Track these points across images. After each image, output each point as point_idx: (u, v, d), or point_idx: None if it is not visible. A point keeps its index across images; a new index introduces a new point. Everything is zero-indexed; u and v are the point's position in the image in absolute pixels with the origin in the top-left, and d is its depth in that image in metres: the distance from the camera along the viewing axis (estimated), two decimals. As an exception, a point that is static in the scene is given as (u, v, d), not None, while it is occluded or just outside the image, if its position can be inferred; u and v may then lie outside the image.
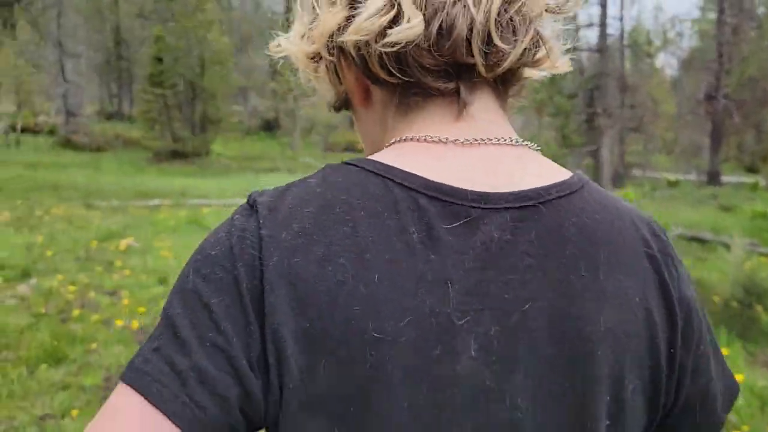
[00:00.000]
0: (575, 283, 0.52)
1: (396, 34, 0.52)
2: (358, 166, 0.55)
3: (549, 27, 0.59)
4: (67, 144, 28.42)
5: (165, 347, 0.49)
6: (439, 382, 0.49)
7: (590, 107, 10.10)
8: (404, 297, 0.49)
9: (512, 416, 0.50)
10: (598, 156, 9.73)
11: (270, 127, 44.61)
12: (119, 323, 4.65)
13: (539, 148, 0.62)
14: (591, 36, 11.40)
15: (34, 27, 32.67)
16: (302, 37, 0.60)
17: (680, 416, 0.60)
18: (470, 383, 0.50)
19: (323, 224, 0.51)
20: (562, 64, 0.62)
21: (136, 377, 0.48)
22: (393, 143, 0.59)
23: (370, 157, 0.56)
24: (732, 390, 0.64)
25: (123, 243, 7.54)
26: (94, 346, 4.16)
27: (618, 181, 16.42)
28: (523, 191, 0.54)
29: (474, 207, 0.52)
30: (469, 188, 0.53)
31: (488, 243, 0.51)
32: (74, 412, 3.15)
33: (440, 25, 0.52)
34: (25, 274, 5.87)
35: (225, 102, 28.96)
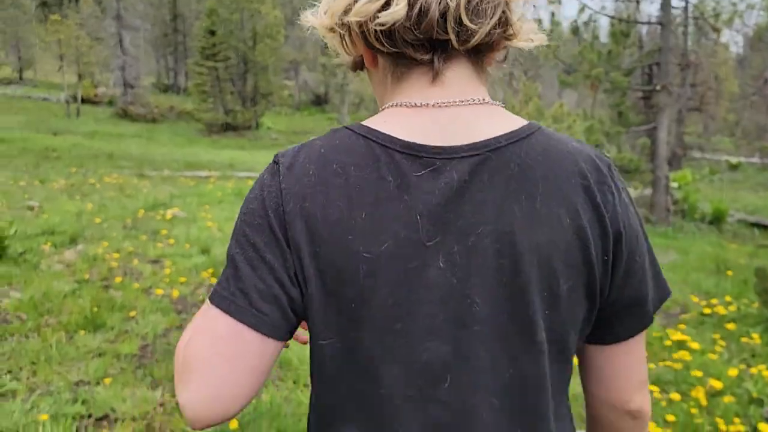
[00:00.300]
0: (516, 211, 0.69)
1: (384, 16, 0.68)
2: (353, 131, 0.74)
3: (519, 10, 0.73)
4: (125, 115, 29.24)
5: (232, 277, 0.71)
6: (415, 285, 0.69)
7: (649, 84, 9.62)
8: (385, 228, 0.69)
9: (471, 308, 0.70)
10: (655, 135, 9.29)
11: (320, 102, 44.78)
12: (159, 292, 4.70)
13: (503, 105, 0.78)
14: (652, 9, 10.87)
15: (96, 0, 33.51)
16: (325, 12, 0.75)
17: (617, 309, 0.77)
18: (439, 286, 0.69)
19: (324, 178, 0.70)
20: (538, 38, 0.76)
21: (219, 300, 0.71)
22: (384, 108, 0.78)
23: (362, 123, 0.75)
24: (663, 292, 0.81)
25: (169, 212, 7.65)
26: (133, 314, 4.21)
27: (675, 162, 15.68)
28: (478, 142, 0.71)
29: (438, 158, 0.70)
30: (434, 144, 0.71)
31: (450, 185, 0.69)
32: (107, 380, 3.17)
33: (419, 9, 0.68)
34: (73, 241, 6.01)
35: (276, 76, 29.14)
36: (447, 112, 0.73)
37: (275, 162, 0.76)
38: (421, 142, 0.71)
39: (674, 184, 10.83)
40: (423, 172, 0.70)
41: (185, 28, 44.21)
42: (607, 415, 0.86)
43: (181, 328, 4.11)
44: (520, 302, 0.70)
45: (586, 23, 9.25)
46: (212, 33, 25.14)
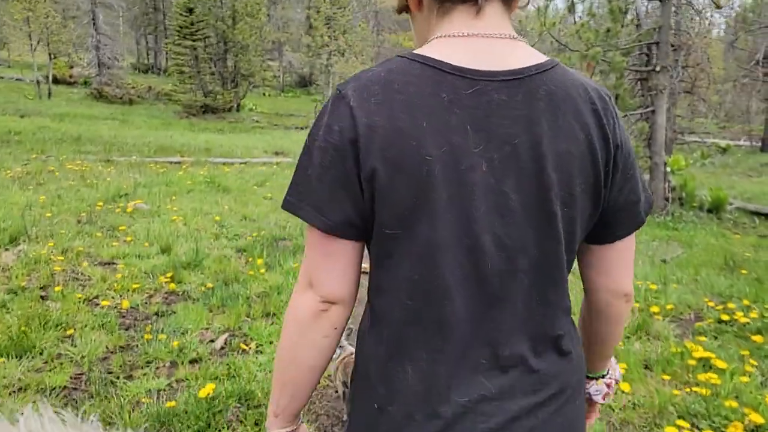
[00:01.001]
0: (543, 124, 0.88)
1: None
2: (407, 58, 0.90)
3: None
4: (99, 96, 28.20)
5: (314, 197, 0.90)
6: (466, 183, 0.87)
7: (647, 65, 9.05)
8: (442, 135, 0.86)
9: (507, 202, 0.88)
10: (653, 119, 8.74)
11: (305, 83, 43.79)
12: (105, 303, 4.08)
13: (527, 42, 0.96)
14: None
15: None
16: None
17: (615, 211, 0.98)
18: (483, 184, 0.87)
19: (388, 95, 0.86)
20: None
21: (314, 220, 0.91)
22: (431, 40, 0.94)
23: (415, 51, 0.92)
24: (649, 200, 1.03)
25: (131, 204, 7.00)
26: (70, 332, 3.60)
27: (667, 146, 15.20)
28: (513, 69, 0.89)
29: (482, 80, 0.88)
30: (478, 68, 0.88)
31: (491, 101, 0.87)
32: (20, 427, 2.58)
33: None
34: (13, 240, 5.35)
35: (257, 56, 28.17)
36: (487, 43, 0.91)
37: (339, 91, 0.90)
38: (468, 66, 0.88)
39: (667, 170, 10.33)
40: (470, 90, 0.87)
41: (165, 7, 42.88)
42: (608, 298, 1.06)
43: (125, 349, 3.51)
44: (544, 199, 0.89)
45: (582, -1, 8.64)
46: (190, 11, 24.15)
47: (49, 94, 25.73)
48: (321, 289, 0.93)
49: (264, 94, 40.32)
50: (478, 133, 0.86)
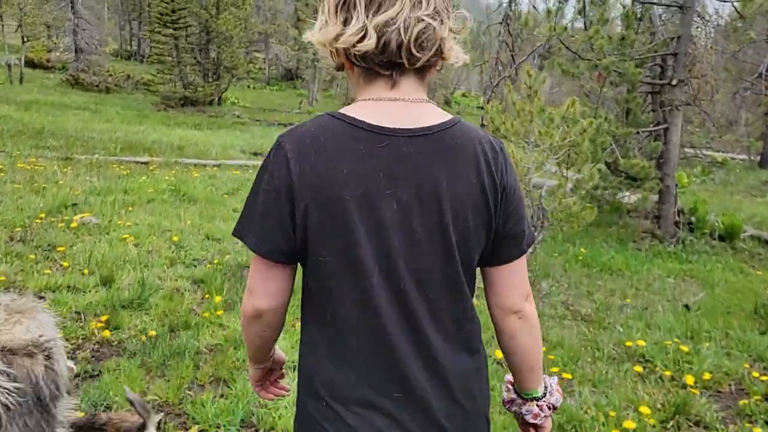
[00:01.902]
0: (443, 171, 1.13)
1: (362, 46, 1.09)
2: (334, 117, 1.14)
3: (450, 44, 1.15)
4: (75, 83, 26.95)
5: (256, 229, 1.15)
6: (381, 219, 1.11)
7: (661, 77, 8.28)
8: (359, 180, 1.09)
9: (414, 234, 1.13)
10: (667, 137, 7.97)
11: (291, 77, 42.69)
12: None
13: (436, 103, 1.22)
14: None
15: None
16: (320, 31, 1.15)
17: (501, 240, 1.21)
18: (394, 220, 1.11)
19: (316, 148, 1.10)
20: (462, 59, 1.18)
21: (254, 247, 1.16)
22: (357, 101, 1.19)
23: (340, 111, 1.16)
24: (531, 236, 1.27)
25: (77, 218, 6.07)
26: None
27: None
28: (420, 127, 1.14)
29: (393, 135, 1.12)
30: (391, 126, 1.13)
31: (401, 153, 1.12)
32: None
33: (384, 42, 1.09)
34: None
35: (241, 48, 27.10)
36: (400, 105, 1.15)
37: (279, 143, 1.14)
38: (382, 125, 1.13)
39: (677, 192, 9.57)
40: (383, 144, 1.11)
41: (150, -8, 41.50)
42: (500, 314, 1.27)
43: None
44: (444, 232, 1.14)
45: (594, 3, 7.84)
46: (171, -3, 23.06)
47: (21, 80, 24.47)
48: (256, 300, 1.21)
49: (249, 87, 39.18)
50: (389, 178, 1.11)
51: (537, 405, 1.35)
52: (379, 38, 1.08)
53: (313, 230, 1.11)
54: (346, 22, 1.11)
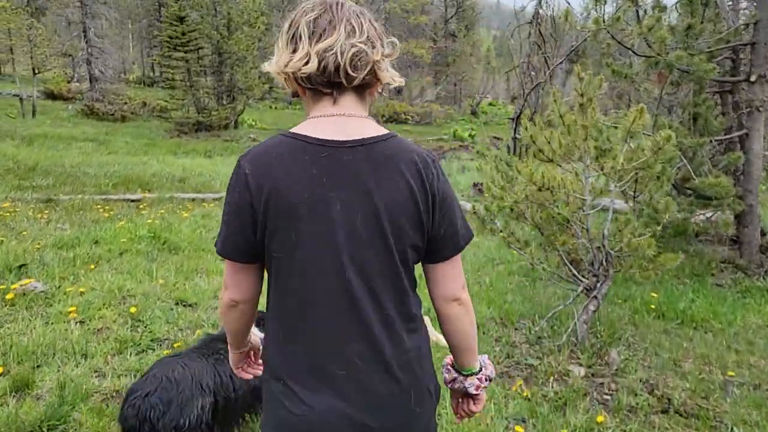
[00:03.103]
0: (377, 178, 1.31)
1: (305, 69, 1.30)
2: (285, 135, 1.35)
3: (384, 66, 1.38)
4: (91, 113, 26.33)
5: (222, 236, 1.38)
6: (327, 218, 1.30)
7: (733, 73, 6.81)
8: (305, 186, 1.29)
9: (356, 232, 1.31)
10: (747, 147, 6.48)
11: (313, 95, 41.66)
12: None
13: (375, 119, 1.44)
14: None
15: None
16: (275, 62, 1.36)
17: (439, 240, 1.41)
18: (339, 219, 1.30)
19: (269, 163, 1.30)
20: (398, 81, 1.42)
21: (219, 250, 1.39)
22: (306, 119, 1.39)
23: (291, 130, 1.36)
24: (468, 234, 1.48)
25: (18, 285, 4.87)
26: None
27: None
28: (358, 139, 1.33)
29: (334, 147, 1.31)
30: (332, 138, 1.32)
31: (341, 161, 1.31)
32: None
33: (324, 65, 1.30)
34: None
35: (256, 68, 26.13)
36: (339, 121, 1.35)
37: (239, 163, 1.34)
38: (325, 138, 1.33)
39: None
40: (325, 153, 1.31)
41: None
42: (442, 303, 1.48)
43: None
44: (381, 231, 1.33)
45: (647, -13, 6.43)
46: (181, 20, 22.17)
47: (33, 113, 23.85)
48: (230, 293, 1.43)
49: (270, 107, 38.36)
50: (330, 182, 1.31)
51: (477, 378, 1.61)
52: (319, 62, 1.31)
53: (269, 232, 1.33)
54: (294, 52, 1.33)
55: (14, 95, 24.21)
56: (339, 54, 1.29)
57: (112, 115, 26.35)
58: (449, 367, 1.63)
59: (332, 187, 1.29)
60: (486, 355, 1.64)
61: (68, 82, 37.07)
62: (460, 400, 1.67)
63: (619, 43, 5.99)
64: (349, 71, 1.30)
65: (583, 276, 4.63)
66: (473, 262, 6.78)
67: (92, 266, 5.60)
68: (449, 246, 1.43)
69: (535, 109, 10.92)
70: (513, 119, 10.94)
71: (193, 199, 9.73)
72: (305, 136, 1.32)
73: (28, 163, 12.13)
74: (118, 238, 6.56)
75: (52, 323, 4.30)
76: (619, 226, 4.41)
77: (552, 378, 3.97)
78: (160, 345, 4.15)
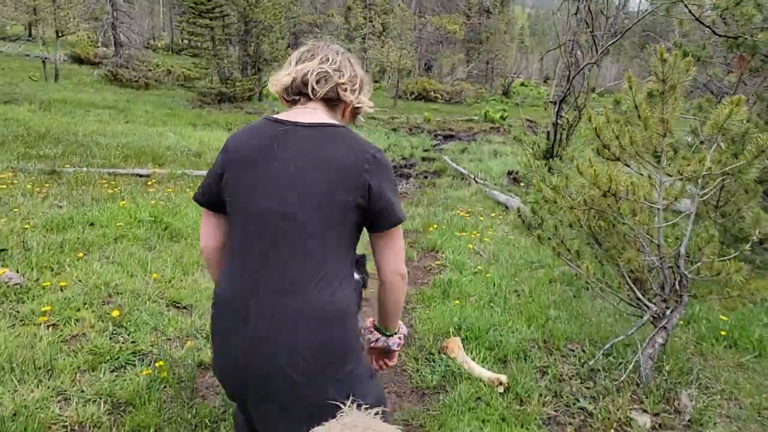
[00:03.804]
0: (325, 151, 1.67)
1: (284, 81, 1.81)
2: (264, 118, 1.77)
3: (348, 88, 1.83)
4: (114, 78, 25.82)
5: (201, 185, 1.84)
6: (272, 171, 1.66)
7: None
8: (261, 150, 1.70)
9: (306, 188, 1.63)
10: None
11: (340, 68, 40.67)
12: None
13: (345, 126, 1.82)
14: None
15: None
16: (272, 82, 1.85)
17: (376, 214, 1.70)
18: (282, 172, 1.65)
19: (244, 134, 1.76)
20: (371, 109, 1.92)
21: (194, 197, 1.87)
22: (284, 112, 1.82)
23: (273, 115, 1.77)
24: (401, 215, 1.73)
25: (-9, 277, 4.25)
26: None
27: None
28: (313, 122, 1.71)
29: (290, 125, 1.71)
30: (292, 120, 1.73)
31: (297, 134, 1.70)
32: None
33: (298, 80, 1.79)
34: None
35: (285, 38, 25.29)
36: (301, 111, 1.76)
37: (228, 138, 1.77)
38: (287, 119, 1.72)
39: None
40: (282, 129, 1.70)
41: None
42: (389, 275, 1.76)
43: None
44: (327, 194, 1.62)
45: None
46: (207, -14, 21.37)
47: (56, 77, 23.40)
48: (202, 240, 1.85)
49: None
50: (281, 148, 1.67)
51: (398, 337, 1.99)
52: (294, 78, 1.78)
53: (226, 183, 1.71)
54: (285, 74, 1.82)
55: (42, 58, 23.74)
56: (310, 73, 1.78)
57: (136, 81, 25.81)
58: (371, 329, 1.99)
59: (281, 150, 1.67)
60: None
61: (95, 47, 36.64)
62: (378, 358, 2.04)
63: (697, 19, 5.09)
64: (314, 86, 1.77)
65: (649, 299, 3.85)
66: (508, 266, 6.01)
67: (80, 254, 4.97)
68: (386, 219, 1.72)
69: (579, 93, 9.98)
70: (555, 102, 10.02)
71: (200, 177, 9.07)
72: (275, 118, 1.76)
73: (40, 129, 11.59)
74: (116, 220, 5.92)
75: (18, 326, 3.67)
76: (698, 243, 3.61)
77: (612, 429, 3.23)
78: (142, 360, 3.50)
